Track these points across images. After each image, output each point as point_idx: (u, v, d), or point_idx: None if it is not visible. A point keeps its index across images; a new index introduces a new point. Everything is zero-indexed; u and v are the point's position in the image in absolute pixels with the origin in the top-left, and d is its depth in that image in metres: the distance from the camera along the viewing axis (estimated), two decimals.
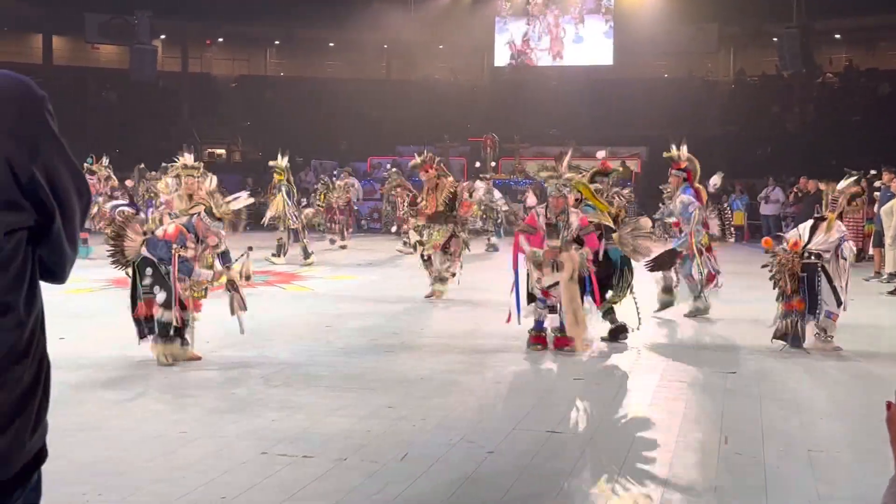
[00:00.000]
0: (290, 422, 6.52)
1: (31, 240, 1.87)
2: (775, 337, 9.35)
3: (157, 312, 8.22)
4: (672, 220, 11.42)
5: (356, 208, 23.39)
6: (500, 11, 38.82)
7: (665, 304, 11.43)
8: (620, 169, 16.76)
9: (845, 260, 9.38)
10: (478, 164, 29.19)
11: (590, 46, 37.97)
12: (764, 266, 9.59)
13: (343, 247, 20.38)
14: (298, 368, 8.38)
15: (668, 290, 11.45)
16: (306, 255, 17.10)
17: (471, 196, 16.67)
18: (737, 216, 26.84)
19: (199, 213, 8.49)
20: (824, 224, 9.38)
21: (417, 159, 13.34)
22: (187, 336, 8.46)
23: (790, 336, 9.26)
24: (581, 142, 32.19)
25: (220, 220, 8.57)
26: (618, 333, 9.84)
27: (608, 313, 9.93)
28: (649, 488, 5.31)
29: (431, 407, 7.02)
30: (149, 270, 8.25)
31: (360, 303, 12.43)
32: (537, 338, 9.35)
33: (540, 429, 6.50)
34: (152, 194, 17.38)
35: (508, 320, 9.44)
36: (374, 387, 7.69)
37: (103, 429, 6.35)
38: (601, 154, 12.00)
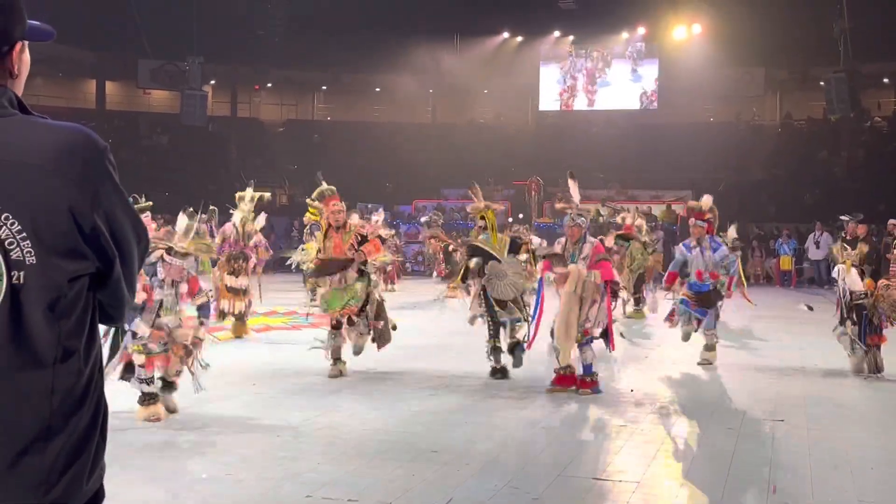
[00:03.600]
0: (334, 465, 6.54)
1: (91, 285, 1.93)
2: (870, 372, 10.36)
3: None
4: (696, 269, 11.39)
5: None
6: (545, 55, 39.39)
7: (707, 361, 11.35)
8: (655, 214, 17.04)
9: None
10: (521, 216, 29.09)
11: (631, 90, 38.46)
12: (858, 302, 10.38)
13: (392, 290, 20.74)
14: (343, 411, 8.41)
15: (710, 347, 11.38)
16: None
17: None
18: (784, 261, 26.64)
19: (161, 257, 7.88)
20: None
21: (322, 187, 10.67)
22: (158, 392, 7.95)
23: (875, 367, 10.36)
24: (627, 185, 32.26)
25: (186, 255, 7.99)
26: (502, 373, 10.14)
27: (496, 350, 10.23)
28: None
29: (475, 452, 7.00)
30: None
31: (404, 346, 12.43)
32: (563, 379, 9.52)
33: (585, 475, 6.46)
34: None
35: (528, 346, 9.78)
36: (418, 430, 7.70)
37: (152, 469, 6.41)
38: (626, 217, 12.77)
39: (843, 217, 18.91)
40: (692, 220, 11.60)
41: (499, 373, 10.15)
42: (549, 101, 39.87)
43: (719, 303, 11.38)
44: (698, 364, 11.16)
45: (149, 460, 6.67)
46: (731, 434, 7.79)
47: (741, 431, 7.87)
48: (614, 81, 38.76)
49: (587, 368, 9.37)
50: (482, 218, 10.75)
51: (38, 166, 1.84)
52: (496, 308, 10.12)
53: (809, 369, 11.06)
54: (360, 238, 10.25)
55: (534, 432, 7.82)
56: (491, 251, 10.12)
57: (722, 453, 7.18)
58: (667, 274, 12.03)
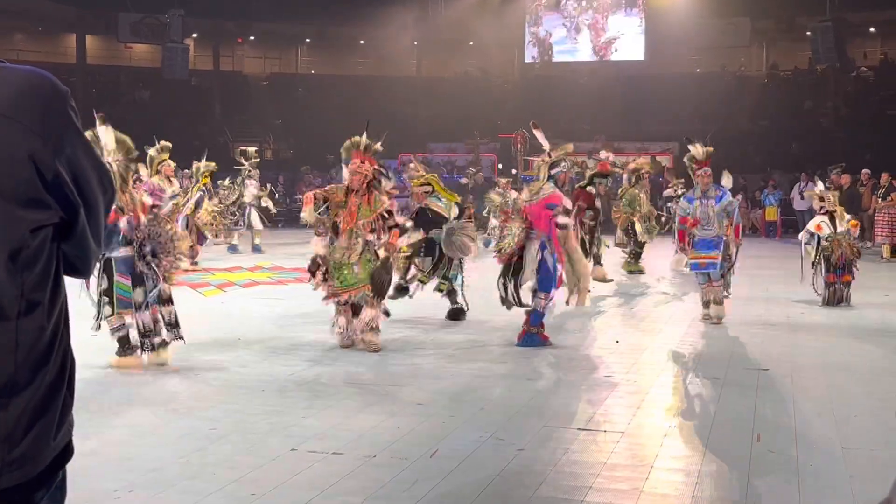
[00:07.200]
0: (319, 419, 6.53)
1: (55, 236, 1.87)
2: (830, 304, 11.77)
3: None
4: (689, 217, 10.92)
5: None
6: (532, 8, 39.03)
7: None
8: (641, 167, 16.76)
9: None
10: (500, 165, 29.03)
11: (620, 42, 38.25)
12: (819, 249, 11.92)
13: None
14: (329, 365, 8.40)
15: (717, 301, 10.79)
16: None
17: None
18: (769, 212, 26.66)
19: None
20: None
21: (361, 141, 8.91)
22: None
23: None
24: (612, 137, 32.15)
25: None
26: (457, 314, 10.89)
27: (450, 293, 11.01)
28: (680, 486, 5.26)
29: (460, 404, 7.00)
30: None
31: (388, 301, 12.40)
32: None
33: (570, 426, 6.47)
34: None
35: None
36: (403, 384, 7.70)
37: (134, 425, 6.39)
38: (604, 155, 13.08)
39: (837, 169, 19.32)
40: (701, 170, 10.89)
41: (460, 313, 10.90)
42: (534, 53, 39.65)
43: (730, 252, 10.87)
44: (703, 321, 10.82)
45: (132, 415, 6.64)
46: (716, 384, 7.82)
47: (726, 381, 7.89)
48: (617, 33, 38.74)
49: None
50: (428, 184, 11.21)
51: None
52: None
53: (794, 320, 11.10)
54: (384, 217, 8.93)
55: (518, 385, 7.82)
56: (444, 214, 10.83)
57: (707, 403, 7.20)
58: (677, 234, 11.38)
